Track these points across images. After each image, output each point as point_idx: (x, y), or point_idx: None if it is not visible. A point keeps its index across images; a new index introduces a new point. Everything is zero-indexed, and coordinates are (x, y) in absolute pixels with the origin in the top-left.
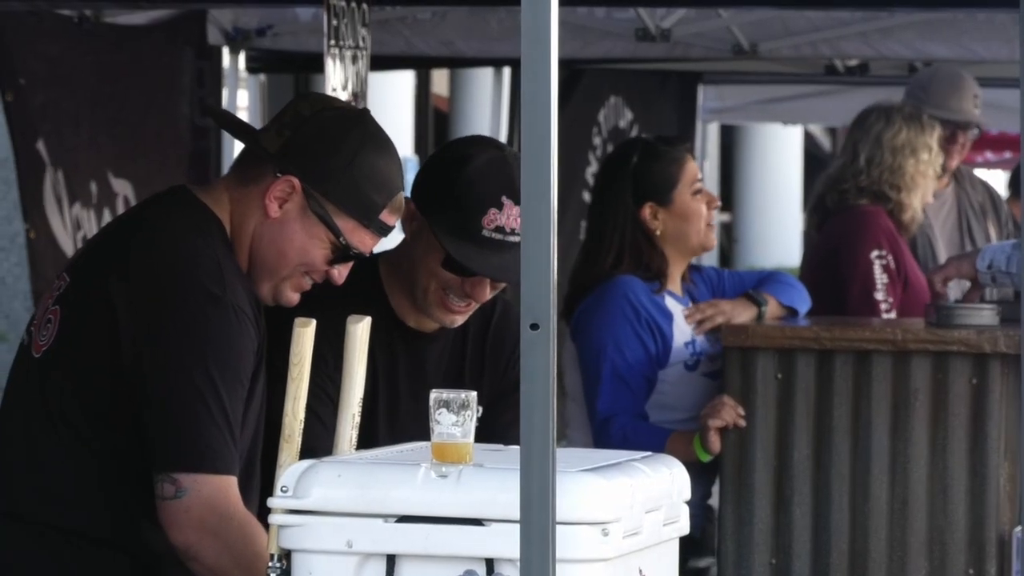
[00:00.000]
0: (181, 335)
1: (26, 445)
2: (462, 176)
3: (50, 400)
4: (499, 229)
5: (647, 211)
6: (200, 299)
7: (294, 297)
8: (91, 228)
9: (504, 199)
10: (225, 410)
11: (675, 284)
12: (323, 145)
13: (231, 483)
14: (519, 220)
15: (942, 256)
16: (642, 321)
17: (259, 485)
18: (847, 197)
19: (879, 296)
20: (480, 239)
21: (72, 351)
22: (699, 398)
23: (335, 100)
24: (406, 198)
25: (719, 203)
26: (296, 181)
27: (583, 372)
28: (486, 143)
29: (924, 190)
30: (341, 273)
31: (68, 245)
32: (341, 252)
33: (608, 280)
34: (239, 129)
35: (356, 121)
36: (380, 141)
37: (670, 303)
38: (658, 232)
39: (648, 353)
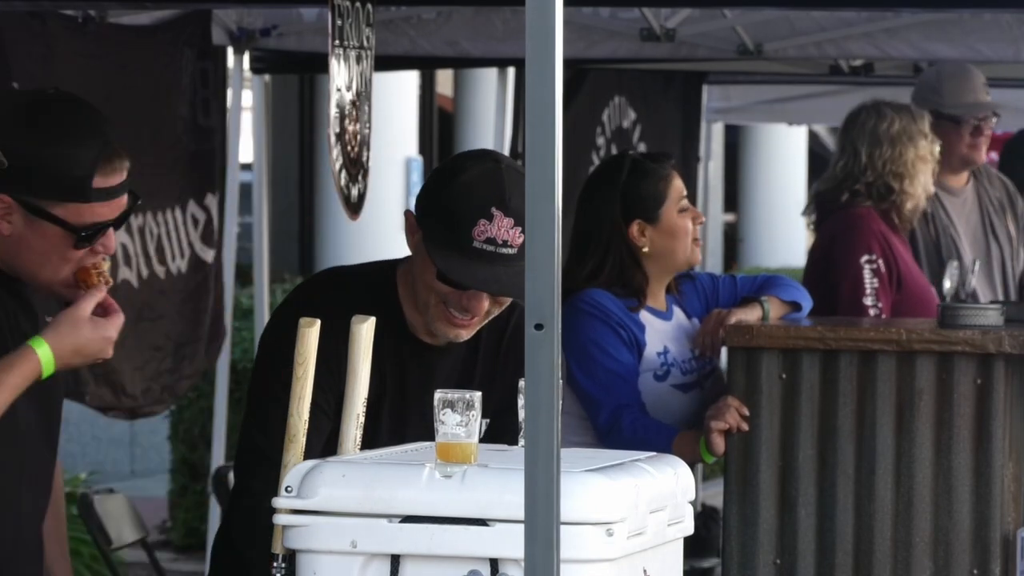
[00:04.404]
0: None
1: None
2: (452, 188)
3: None
4: (490, 241)
5: (635, 229)
6: None
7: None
8: None
9: (494, 210)
10: None
11: (655, 299)
12: (6, 152)
13: None
14: (512, 232)
15: (967, 255)
16: (613, 324)
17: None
18: (851, 198)
19: (868, 301)
20: (470, 251)
21: None
22: (666, 409)
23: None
24: (407, 211)
25: (704, 219)
26: (5, 197)
27: (575, 385)
28: (484, 156)
29: (925, 177)
30: (107, 245)
31: None
32: (82, 235)
33: (576, 293)
34: None
35: (25, 111)
36: (55, 116)
37: (646, 316)
38: (645, 249)
39: (631, 351)
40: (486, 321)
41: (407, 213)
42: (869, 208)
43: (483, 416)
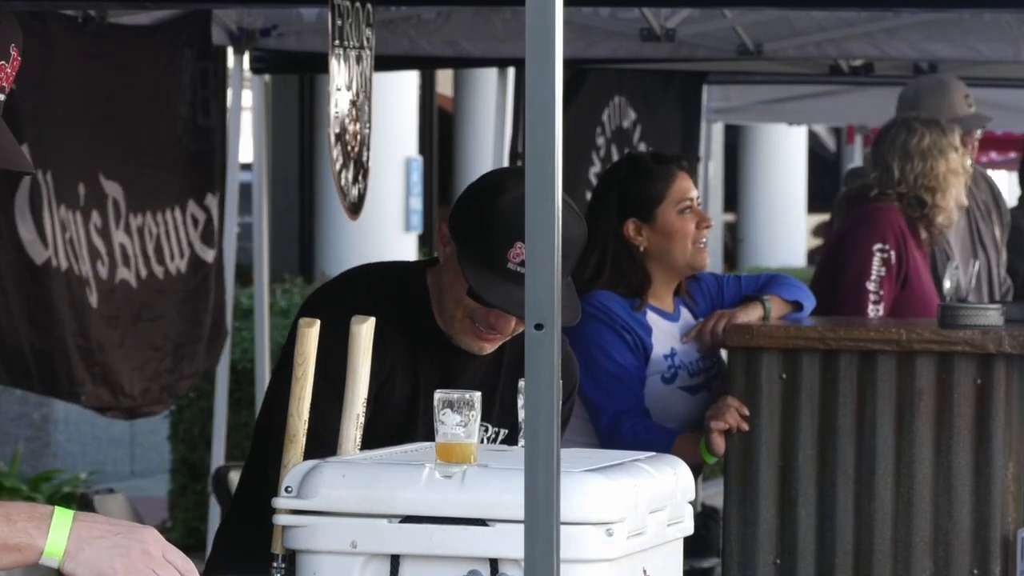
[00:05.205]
0: None
1: None
2: (492, 207)
3: None
4: (524, 264)
5: (630, 227)
6: None
7: None
8: (77, 231)
9: None
10: None
11: (661, 300)
12: None
13: None
14: None
15: (957, 260)
16: (618, 328)
17: None
18: (878, 195)
19: (870, 286)
20: (504, 272)
21: None
22: (674, 411)
23: None
24: (442, 223)
25: (711, 222)
26: None
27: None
28: (522, 176)
29: (957, 190)
30: None
31: (41, 252)
32: None
33: (583, 295)
34: None
35: None
36: None
37: (652, 318)
38: (642, 248)
39: (635, 354)
40: (509, 337)
41: (441, 225)
42: (893, 205)
43: (502, 427)
